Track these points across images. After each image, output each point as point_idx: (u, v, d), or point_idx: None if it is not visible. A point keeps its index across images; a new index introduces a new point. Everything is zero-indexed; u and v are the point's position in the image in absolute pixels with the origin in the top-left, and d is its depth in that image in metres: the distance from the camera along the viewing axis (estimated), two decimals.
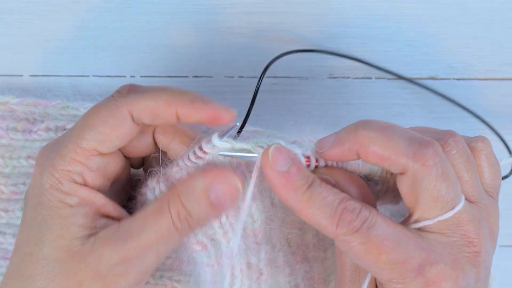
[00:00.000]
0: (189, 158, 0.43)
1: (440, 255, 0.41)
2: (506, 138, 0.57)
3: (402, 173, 0.42)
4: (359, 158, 0.43)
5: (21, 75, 0.58)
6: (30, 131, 0.55)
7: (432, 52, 0.58)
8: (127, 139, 0.43)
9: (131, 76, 0.58)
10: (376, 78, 0.59)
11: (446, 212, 0.41)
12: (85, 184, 0.42)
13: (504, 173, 0.54)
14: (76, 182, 0.42)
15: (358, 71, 0.59)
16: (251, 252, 0.47)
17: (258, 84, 0.48)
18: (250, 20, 0.58)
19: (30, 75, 0.58)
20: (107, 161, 0.43)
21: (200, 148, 0.43)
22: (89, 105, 0.54)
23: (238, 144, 0.43)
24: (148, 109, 0.42)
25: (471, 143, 0.46)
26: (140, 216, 0.42)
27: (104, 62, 0.58)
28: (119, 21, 0.57)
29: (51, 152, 0.43)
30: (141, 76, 0.58)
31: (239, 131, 0.49)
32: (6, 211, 0.55)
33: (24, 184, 0.55)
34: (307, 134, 0.47)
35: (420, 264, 0.40)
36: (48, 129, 0.55)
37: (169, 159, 0.45)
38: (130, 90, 0.43)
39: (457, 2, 0.58)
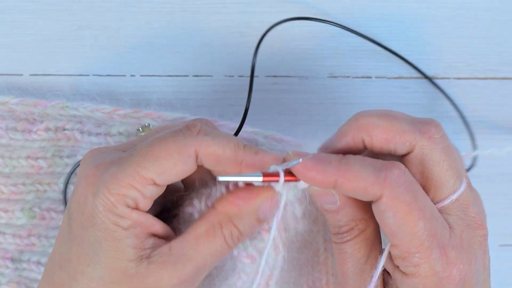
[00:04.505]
0: (237, 185, 0.44)
1: (459, 238, 0.41)
2: (506, 137, 0.58)
3: (409, 152, 0.42)
4: (365, 148, 0.43)
5: (21, 74, 0.58)
6: (30, 131, 0.55)
7: (432, 52, 0.58)
8: (183, 176, 0.43)
9: (131, 75, 0.58)
10: (376, 77, 0.59)
11: (458, 190, 0.41)
12: (137, 208, 0.42)
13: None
14: (129, 206, 0.41)
15: (358, 70, 0.59)
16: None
17: (254, 59, 0.50)
18: (250, 19, 0.57)
19: (30, 74, 0.58)
20: (160, 191, 0.43)
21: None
22: (88, 105, 0.54)
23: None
24: (214, 155, 0.42)
25: None
26: (191, 238, 0.43)
27: (104, 61, 0.57)
28: (119, 20, 0.57)
29: (105, 173, 0.42)
30: (141, 75, 0.58)
31: (236, 133, 0.49)
32: (5, 211, 0.55)
33: (23, 184, 0.55)
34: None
35: (446, 243, 0.40)
36: (47, 129, 0.55)
37: (212, 178, 0.45)
38: (201, 132, 0.43)
39: (457, 2, 0.58)
